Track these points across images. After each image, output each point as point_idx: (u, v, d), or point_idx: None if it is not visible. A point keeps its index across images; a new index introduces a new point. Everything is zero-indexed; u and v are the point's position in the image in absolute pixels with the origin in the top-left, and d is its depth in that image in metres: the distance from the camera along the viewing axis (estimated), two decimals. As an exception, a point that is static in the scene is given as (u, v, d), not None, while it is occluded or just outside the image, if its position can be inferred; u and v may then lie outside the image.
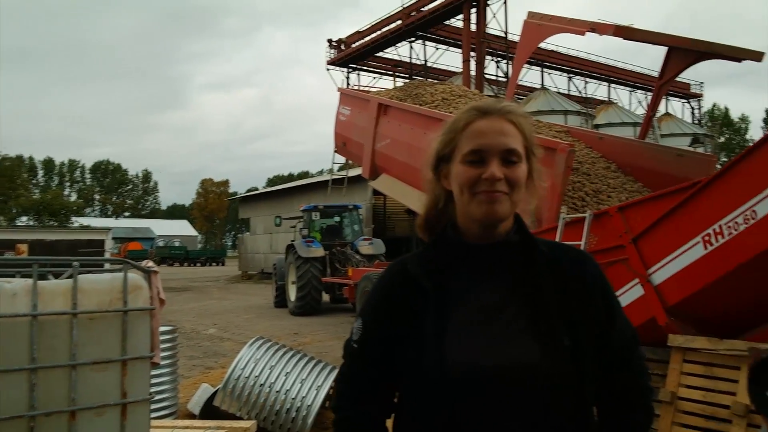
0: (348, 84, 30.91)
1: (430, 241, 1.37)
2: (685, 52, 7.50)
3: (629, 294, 5.28)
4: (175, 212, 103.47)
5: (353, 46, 30.44)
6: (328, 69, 31.77)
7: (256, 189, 66.29)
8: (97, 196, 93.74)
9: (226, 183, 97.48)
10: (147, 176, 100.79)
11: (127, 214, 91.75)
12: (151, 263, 2.83)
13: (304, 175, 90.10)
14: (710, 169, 6.62)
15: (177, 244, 57.41)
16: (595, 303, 1.29)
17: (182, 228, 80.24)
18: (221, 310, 15.86)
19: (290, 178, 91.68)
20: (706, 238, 4.59)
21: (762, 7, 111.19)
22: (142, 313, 2.68)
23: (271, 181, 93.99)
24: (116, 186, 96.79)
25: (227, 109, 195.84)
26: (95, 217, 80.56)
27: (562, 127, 10.60)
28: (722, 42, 7.41)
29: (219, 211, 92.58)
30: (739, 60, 7.30)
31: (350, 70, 32.12)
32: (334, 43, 31.46)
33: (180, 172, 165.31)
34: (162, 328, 5.34)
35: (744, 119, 60.61)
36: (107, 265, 3.35)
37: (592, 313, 1.27)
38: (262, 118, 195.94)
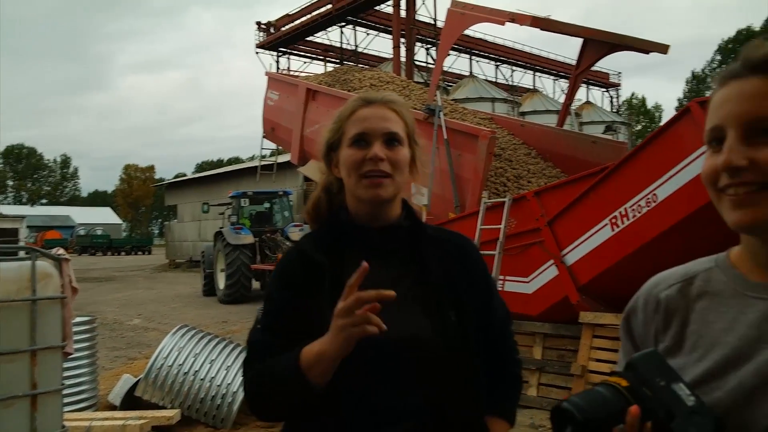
0: (278, 68, 30.37)
1: (321, 223, 1.45)
2: (598, 43, 7.86)
3: (545, 274, 5.56)
4: (97, 199, 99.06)
5: (283, 29, 29.89)
6: (257, 52, 31.15)
7: (184, 175, 64.36)
8: (10, 182, 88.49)
9: (151, 169, 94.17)
10: (66, 161, 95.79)
11: (44, 201, 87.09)
12: (61, 251, 2.76)
13: (235, 160, 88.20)
14: (621, 156, 6.98)
15: (99, 232, 55.04)
16: (476, 283, 1.41)
17: (105, 216, 76.87)
18: (147, 300, 15.43)
19: (220, 164, 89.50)
20: (613, 220, 4.88)
21: (679, 1, 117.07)
22: (52, 302, 2.61)
23: (200, 167, 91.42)
24: (31, 172, 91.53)
25: (154, 92, 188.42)
26: (8, 204, 76.08)
27: (486, 114, 10.89)
28: (637, 35, 7.84)
29: (144, 198, 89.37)
30: (647, 52, 7.73)
31: (280, 54, 31.56)
32: (263, 26, 30.81)
33: (103, 157, 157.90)
34: (79, 319, 5.19)
35: (657, 108, 63.91)
36: (22, 254, 3.23)
37: (473, 292, 1.39)
38: (191, 102, 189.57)
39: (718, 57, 53.69)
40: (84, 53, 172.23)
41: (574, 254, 5.24)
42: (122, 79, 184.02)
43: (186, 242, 30.81)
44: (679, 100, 55.61)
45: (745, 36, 51.32)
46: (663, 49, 7.67)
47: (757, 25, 51.58)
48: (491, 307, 1.44)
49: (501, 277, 5.71)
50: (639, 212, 4.67)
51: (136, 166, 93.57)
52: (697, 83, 54.22)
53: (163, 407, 4.88)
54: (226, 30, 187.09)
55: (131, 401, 5.08)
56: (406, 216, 1.41)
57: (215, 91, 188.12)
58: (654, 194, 4.55)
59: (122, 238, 59.58)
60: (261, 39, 30.90)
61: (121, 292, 17.84)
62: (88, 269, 28.48)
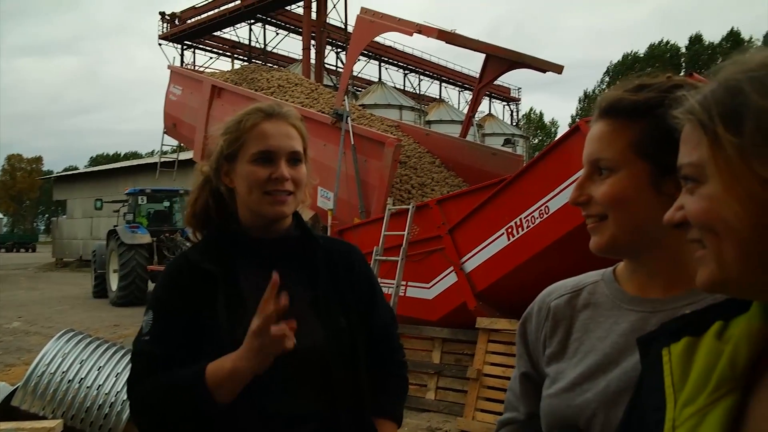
0: (182, 62, 29.29)
1: (209, 233, 1.44)
2: (499, 59, 8.22)
3: (445, 281, 5.73)
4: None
5: (188, 21, 28.88)
6: (159, 44, 29.88)
7: (76, 168, 60.58)
8: None
9: (38, 160, 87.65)
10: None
11: None
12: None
13: (133, 155, 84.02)
14: (517, 168, 7.33)
15: (-24, 227, 50.72)
16: (362, 289, 1.47)
17: (-17, 209, 70.91)
18: (29, 301, 14.35)
19: (117, 158, 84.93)
20: (509, 230, 5.11)
21: (577, 23, 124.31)
22: None
23: (95, 161, 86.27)
24: None
25: (44, 78, 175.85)
26: None
27: (393, 121, 11.07)
28: (536, 54, 8.27)
29: (29, 192, 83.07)
30: (543, 71, 8.18)
31: (185, 47, 30.44)
32: (167, 17, 29.61)
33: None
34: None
35: (554, 123, 67.61)
36: None
37: (359, 297, 1.45)
38: (87, 91, 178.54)
39: (607, 78, 57.50)
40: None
41: (472, 262, 5.44)
42: (7, 62, 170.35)
43: (76, 240, 28.97)
44: (572, 116, 59.15)
45: (630, 60, 55.35)
46: (558, 69, 8.14)
47: (641, 51, 55.79)
48: (376, 312, 1.49)
49: (403, 282, 5.83)
50: (533, 223, 4.92)
51: (20, 157, 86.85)
52: (588, 102, 57.75)
53: (44, 417, 4.57)
54: (127, 17, 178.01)
55: (7, 411, 4.71)
56: (296, 225, 1.45)
57: (114, 82, 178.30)
58: (546, 206, 4.81)
59: (2, 234, 55.07)
60: (165, 30, 29.68)
61: (-1, 292, 16.49)
62: (-39, 267, 26.11)
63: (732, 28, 51.31)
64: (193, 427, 1.24)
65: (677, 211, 0.66)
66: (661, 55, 52.65)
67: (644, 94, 0.94)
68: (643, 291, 0.99)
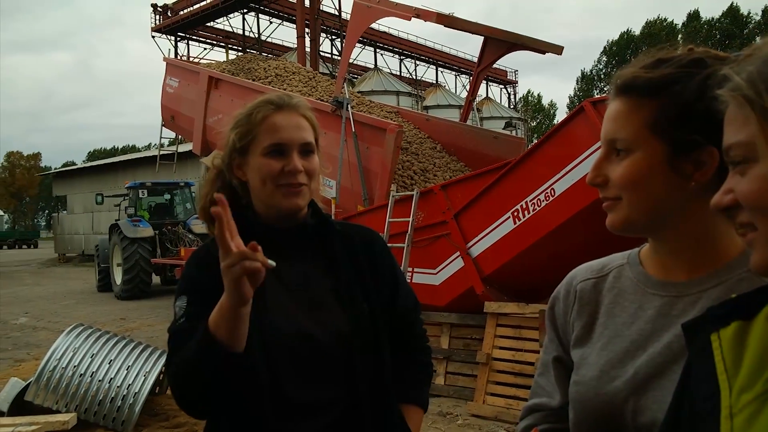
0: (176, 54, 29.09)
1: None
2: (498, 42, 8.16)
3: (452, 266, 5.73)
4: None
5: (181, 13, 28.64)
6: (153, 36, 29.65)
7: (74, 164, 60.44)
8: None
9: (36, 157, 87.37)
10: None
11: None
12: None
13: (131, 149, 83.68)
14: (519, 151, 7.31)
15: (-24, 225, 50.65)
16: (384, 274, 1.46)
17: (-18, 207, 70.75)
18: (34, 297, 14.38)
19: (114, 152, 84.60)
20: (515, 213, 5.11)
21: (574, 3, 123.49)
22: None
23: (93, 155, 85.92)
24: None
25: (37, 74, 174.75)
26: None
27: (393, 107, 11.03)
28: (533, 35, 8.21)
29: (29, 188, 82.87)
30: (543, 52, 8.13)
31: (178, 38, 30.20)
32: (159, 9, 29.36)
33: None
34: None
35: (552, 105, 67.26)
36: None
37: (381, 283, 1.44)
38: (80, 86, 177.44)
39: (604, 58, 57.16)
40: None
41: (478, 246, 5.44)
42: (1, 58, 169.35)
43: (77, 235, 28.98)
44: (569, 98, 58.83)
45: (626, 39, 54.99)
46: (558, 50, 8.09)
47: (636, 30, 55.40)
48: (398, 297, 1.48)
49: (410, 269, 5.83)
50: (539, 206, 4.91)
51: (20, 154, 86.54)
52: (586, 83, 57.42)
53: (57, 411, 4.60)
54: (119, 10, 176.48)
55: (20, 406, 4.74)
56: (313, 213, 1.44)
57: (107, 76, 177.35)
58: (552, 189, 4.80)
59: (4, 231, 55.02)
60: (157, 22, 29.45)
61: (3, 288, 16.50)
62: (-36, 266, 26.13)
63: (732, 3, 50.68)
64: (217, 389, 1.22)
65: (725, 194, 0.63)
66: (657, 33, 52.21)
67: (661, 70, 0.91)
68: (666, 274, 0.97)
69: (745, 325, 0.64)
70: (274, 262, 1.12)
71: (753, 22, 49.08)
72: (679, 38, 51.02)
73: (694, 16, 52.75)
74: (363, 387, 1.33)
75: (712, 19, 51.67)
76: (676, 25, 53.80)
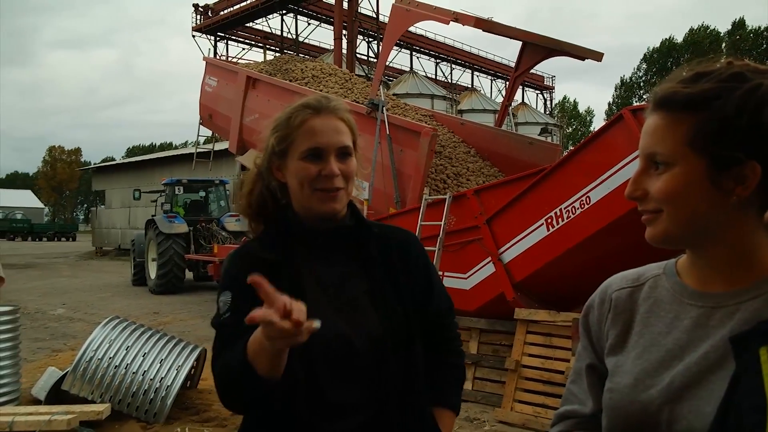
0: (215, 53, 29.62)
1: (267, 225, 1.47)
2: (537, 47, 8.10)
3: (483, 271, 5.70)
4: (17, 181, 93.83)
5: (221, 13, 29.18)
6: (193, 36, 30.25)
7: (113, 159, 61.87)
8: None
9: (77, 152, 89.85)
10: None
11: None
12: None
13: (167, 146, 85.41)
14: (555, 158, 7.24)
15: (19, 216, 52.19)
16: (418, 276, 1.47)
17: (25, 199, 72.88)
18: (71, 289, 14.77)
19: (152, 149, 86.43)
20: (549, 220, 5.06)
21: (616, 8, 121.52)
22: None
23: (131, 152, 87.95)
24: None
25: (81, 70, 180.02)
26: None
27: (428, 111, 11.02)
28: (573, 41, 8.12)
29: (69, 182, 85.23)
30: (582, 59, 8.03)
31: (218, 38, 30.77)
32: (200, 9, 29.96)
33: (24, 137, 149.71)
34: (0, 308, 4.94)
35: (589, 112, 66.33)
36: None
37: (416, 285, 1.45)
38: (121, 83, 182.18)
39: (644, 65, 56.15)
40: (6, 24, 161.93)
41: (510, 252, 5.39)
42: (47, 55, 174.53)
43: (114, 229, 29.67)
44: (609, 104, 57.88)
45: (667, 47, 53.91)
46: (598, 56, 7.98)
47: (679, 38, 54.24)
48: (432, 298, 1.49)
49: (440, 272, 5.82)
50: (573, 213, 4.86)
51: (61, 148, 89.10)
52: (625, 90, 56.47)
53: (92, 401, 4.71)
54: (161, 9, 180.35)
55: (56, 395, 4.88)
56: (351, 215, 1.45)
57: (148, 74, 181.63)
58: (587, 197, 4.74)
59: (44, 224, 56.74)
60: (198, 22, 30.03)
61: (42, 279, 17.01)
62: (7, 255, 26.93)
63: (779, 12, 49.31)
64: (256, 401, 1.26)
65: None
66: (700, 41, 51.04)
67: (700, 85, 0.90)
68: (704, 285, 0.97)
69: None
70: (319, 323, 1.10)
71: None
72: (723, 47, 49.80)
73: (739, 25, 51.34)
74: (394, 389, 1.34)
75: (759, 27, 50.18)
76: (719, 33, 52.51)
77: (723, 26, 59.16)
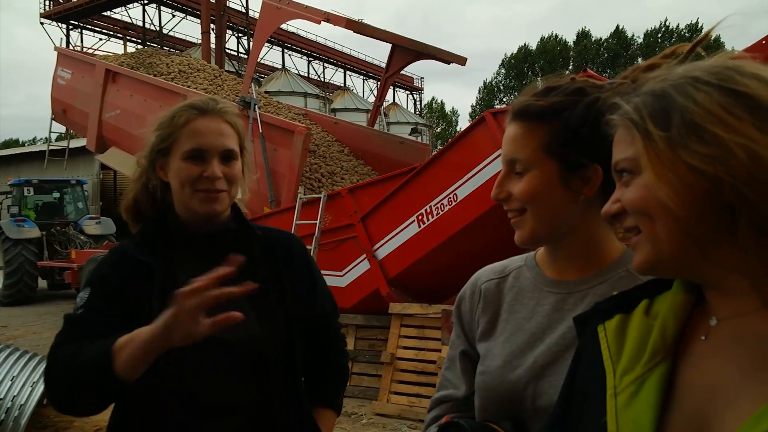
0: (68, 43, 27.36)
1: (146, 226, 1.43)
2: (405, 50, 8.38)
3: (358, 268, 5.82)
4: None
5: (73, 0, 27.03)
6: (42, 23, 27.73)
7: (-54, 157, 55.13)
8: None
9: None
10: None
11: None
12: None
13: (13, 143, 77.63)
14: (425, 157, 7.53)
15: None
16: (301, 278, 1.49)
17: None
18: None
19: (-7, 146, 78.08)
20: (420, 217, 5.27)
21: (481, 15, 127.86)
22: None
23: (-32, 149, 78.91)
24: None
25: None
26: None
27: (301, 109, 11.00)
28: (441, 45, 8.50)
29: None
30: (448, 62, 8.42)
31: (71, 27, 28.43)
32: (49, -7, 27.54)
33: None
34: None
35: (454, 112, 69.28)
36: None
37: (298, 288, 1.47)
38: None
39: (503, 70, 59.61)
40: None
41: (384, 249, 5.55)
42: None
43: (-50, 236, 26.50)
44: (472, 106, 60.79)
45: (523, 53, 57.63)
46: (461, 60, 8.41)
47: (533, 45, 58.22)
48: (316, 301, 1.52)
49: (316, 271, 5.85)
50: (442, 210, 5.10)
51: None
52: (487, 93, 59.55)
53: (-71, 428, 4.22)
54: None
55: None
56: (234, 218, 1.45)
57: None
58: (455, 194, 5.00)
59: None
60: (47, 8, 27.57)
61: None
62: None
63: (618, 26, 54.35)
64: (96, 403, 1.20)
65: (613, 204, 0.73)
66: (551, 49, 55.07)
67: (551, 98, 1.03)
68: (560, 274, 1.10)
69: (625, 318, 0.75)
70: (242, 315, 1.12)
71: (636, 44, 53.00)
72: (570, 54, 54.19)
73: (584, 35, 56.07)
74: (274, 390, 1.36)
75: (601, 38, 55.23)
76: (567, 42, 56.95)
77: (570, 36, 64.29)
